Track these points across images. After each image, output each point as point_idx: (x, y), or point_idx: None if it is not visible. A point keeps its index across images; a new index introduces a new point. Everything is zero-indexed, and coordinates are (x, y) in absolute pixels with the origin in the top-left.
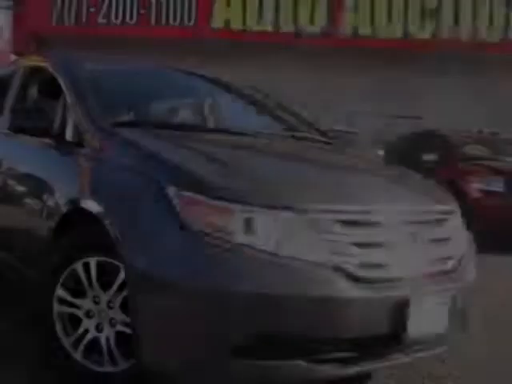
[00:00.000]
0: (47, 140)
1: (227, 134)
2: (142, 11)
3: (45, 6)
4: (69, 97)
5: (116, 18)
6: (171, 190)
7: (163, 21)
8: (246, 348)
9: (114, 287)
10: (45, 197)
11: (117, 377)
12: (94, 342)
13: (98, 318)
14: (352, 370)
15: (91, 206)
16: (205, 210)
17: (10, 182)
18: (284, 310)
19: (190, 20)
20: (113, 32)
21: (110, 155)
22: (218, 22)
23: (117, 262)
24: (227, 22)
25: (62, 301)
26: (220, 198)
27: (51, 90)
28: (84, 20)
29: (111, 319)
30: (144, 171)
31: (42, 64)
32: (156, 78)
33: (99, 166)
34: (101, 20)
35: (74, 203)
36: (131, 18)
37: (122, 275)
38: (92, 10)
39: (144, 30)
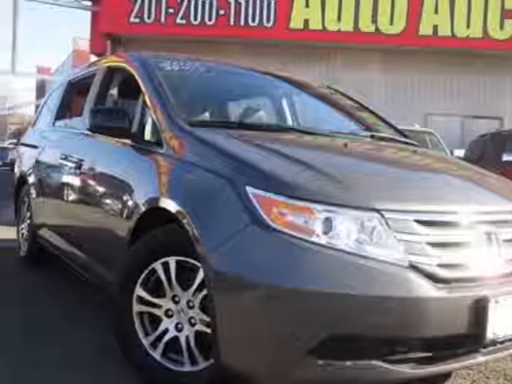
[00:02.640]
0: (126, 140)
1: (304, 133)
2: (221, 12)
3: (122, 6)
4: (147, 97)
5: (195, 18)
6: (250, 191)
7: (242, 21)
8: (323, 348)
9: (194, 287)
10: (124, 197)
11: (196, 376)
12: (173, 341)
13: (177, 318)
14: (428, 370)
15: (170, 205)
16: (284, 210)
17: (90, 183)
18: (362, 310)
19: (268, 21)
20: (191, 32)
21: (188, 155)
22: (296, 23)
23: (196, 262)
24: (306, 23)
25: (141, 300)
26: (300, 198)
27: (130, 90)
28: (162, 20)
29: (191, 318)
30: (222, 171)
31: (121, 64)
32: (232, 77)
33: (178, 166)
34: (179, 20)
35: (152, 203)
36: (210, 18)
37: (201, 275)
38: (171, 10)
39: (222, 30)
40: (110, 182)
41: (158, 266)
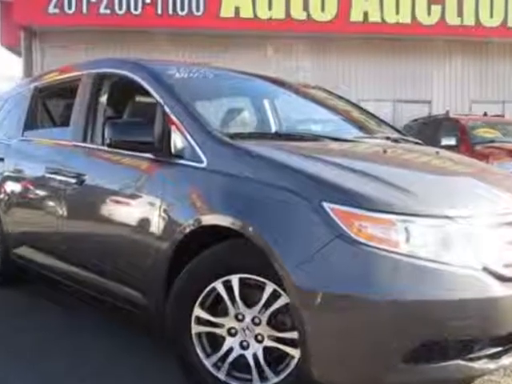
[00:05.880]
0: (147, 154)
1: (338, 141)
2: (148, 1)
3: None
4: (171, 109)
5: (120, 8)
6: (328, 206)
7: (170, 11)
8: (416, 353)
9: (261, 303)
10: (155, 215)
11: None
12: (239, 359)
13: (241, 336)
14: (500, 364)
15: (228, 221)
16: (365, 222)
17: (103, 199)
18: (447, 314)
19: (198, 10)
20: (117, 23)
21: (238, 168)
22: (227, 12)
23: (261, 278)
24: (237, 11)
25: (200, 321)
26: (379, 211)
27: (135, 99)
28: (84, 11)
29: (257, 335)
30: (289, 186)
31: (118, 72)
32: (240, 82)
33: (228, 181)
34: (103, 10)
35: (200, 221)
36: (136, 8)
37: (268, 291)
38: (93, 0)
39: (150, 20)
40: (131, 199)
41: (218, 284)
